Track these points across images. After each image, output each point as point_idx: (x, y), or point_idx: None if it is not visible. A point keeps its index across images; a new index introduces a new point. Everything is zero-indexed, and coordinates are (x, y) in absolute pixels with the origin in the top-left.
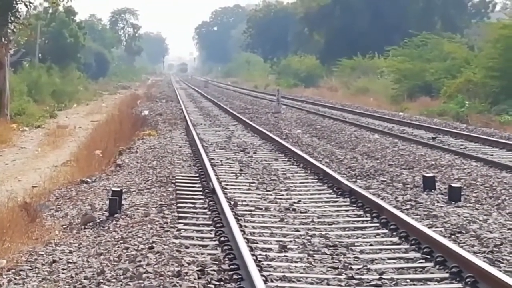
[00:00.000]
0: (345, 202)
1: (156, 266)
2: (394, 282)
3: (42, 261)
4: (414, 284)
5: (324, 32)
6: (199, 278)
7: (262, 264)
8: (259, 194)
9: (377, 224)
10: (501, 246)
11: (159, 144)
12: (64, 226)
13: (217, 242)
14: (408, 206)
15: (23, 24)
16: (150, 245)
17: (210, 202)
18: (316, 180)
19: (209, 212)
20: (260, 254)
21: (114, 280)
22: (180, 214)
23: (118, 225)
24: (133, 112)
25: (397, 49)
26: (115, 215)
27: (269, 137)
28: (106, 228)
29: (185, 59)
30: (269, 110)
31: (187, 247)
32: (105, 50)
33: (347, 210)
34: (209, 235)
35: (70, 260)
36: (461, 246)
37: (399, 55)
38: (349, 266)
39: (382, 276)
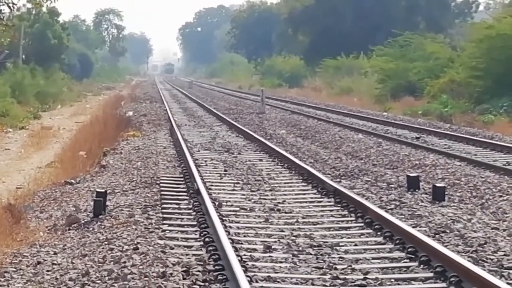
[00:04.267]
0: (329, 202)
1: (141, 267)
2: (378, 282)
3: (27, 263)
4: (398, 284)
5: (308, 33)
6: (184, 279)
7: (247, 264)
8: (243, 195)
9: (362, 224)
10: (485, 246)
11: (143, 145)
12: (48, 228)
13: (202, 243)
14: (392, 206)
15: (6, 25)
16: (135, 246)
17: (195, 203)
18: (301, 181)
19: (194, 213)
20: (245, 255)
21: (99, 281)
22: (165, 215)
23: (102, 226)
24: (117, 113)
25: (381, 49)
26: (100, 216)
27: (253, 137)
28: (91, 229)
29: (170, 59)
30: (254, 111)
31: (172, 248)
32: (89, 51)
33: (331, 210)
34: (194, 235)
35: (55, 262)
36: (445, 246)
37: (383, 55)
38: (334, 266)
39: (367, 276)
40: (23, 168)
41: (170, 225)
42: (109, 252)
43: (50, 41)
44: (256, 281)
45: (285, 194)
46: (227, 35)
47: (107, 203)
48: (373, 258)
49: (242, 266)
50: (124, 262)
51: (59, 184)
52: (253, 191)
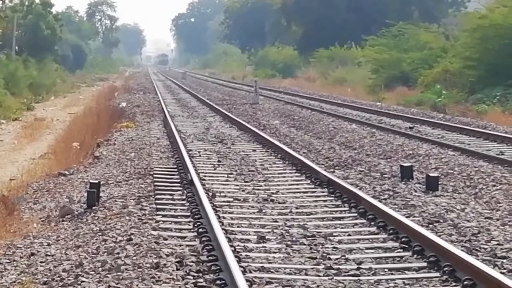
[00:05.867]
0: (323, 192)
1: (134, 258)
2: (372, 272)
3: (20, 254)
4: (392, 274)
5: (301, 23)
6: (177, 269)
7: (241, 255)
8: (237, 185)
9: (355, 214)
10: (479, 235)
11: (137, 136)
12: (42, 219)
13: (195, 234)
14: (386, 196)
15: None
16: (128, 237)
17: (188, 194)
18: (294, 171)
19: (187, 204)
20: (238, 245)
21: (92, 272)
22: (158, 206)
23: (96, 217)
24: (111, 104)
25: (374, 39)
26: (93, 208)
27: (247, 128)
28: (84, 220)
29: (163, 50)
30: (247, 101)
31: (165, 239)
32: (82, 42)
33: (325, 201)
34: (188, 226)
35: (49, 253)
36: (439, 236)
37: (376, 45)
38: (328, 256)
39: (360, 266)
40: (16, 159)
41: (163, 215)
42: (103, 243)
43: (43, 32)
44: (250, 272)
45: (278, 185)
46: (221, 26)
47: (101, 194)
48: (367, 248)
49: (236, 256)
50: (118, 253)
51: (52, 175)
52: (247, 182)
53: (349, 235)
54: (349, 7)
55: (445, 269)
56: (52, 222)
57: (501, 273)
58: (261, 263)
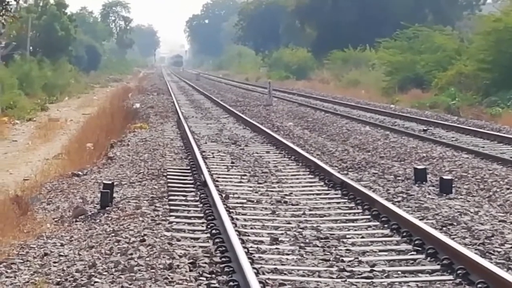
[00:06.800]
0: (336, 194)
1: (147, 259)
2: (385, 274)
3: (34, 254)
4: (405, 276)
5: (315, 25)
6: (190, 270)
7: (254, 256)
8: (250, 187)
9: (369, 216)
10: (492, 238)
11: (150, 137)
12: (55, 219)
13: (208, 235)
14: (399, 198)
15: (14, 17)
16: (141, 238)
17: (202, 195)
18: (308, 173)
19: (201, 205)
20: (251, 247)
21: (105, 273)
22: (172, 207)
23: (109, 218)
24: (125, 105)
25: (388, 41)
26: (107, 208)
27: (260, 129)
28: (98, 221)
29: (177, 51)
30: (261, 103)
31: (178, 240)
32: (96, 43)
33: (338, 203)
34: (201, 227)
35: (62, 253)
36: (453, 238)
37: (390, 47)
38: (341, 258)
39: (374, 268)
40: (30, 159)
41: (177, 217)
42: (116, 244)
43: (58, 33)
44: (263, 273)
45: (292, 186)
46: (235, 27)
47: (114, 195)
48: (380, 251)
49: (249, 258)
50: (131, 254)
51: (66, 175)
52: (260, 183)
53: (362, 237)
54: (363, 9)
55: (458, 272)
56: (65, 222)
57: None
58: (274, 264)
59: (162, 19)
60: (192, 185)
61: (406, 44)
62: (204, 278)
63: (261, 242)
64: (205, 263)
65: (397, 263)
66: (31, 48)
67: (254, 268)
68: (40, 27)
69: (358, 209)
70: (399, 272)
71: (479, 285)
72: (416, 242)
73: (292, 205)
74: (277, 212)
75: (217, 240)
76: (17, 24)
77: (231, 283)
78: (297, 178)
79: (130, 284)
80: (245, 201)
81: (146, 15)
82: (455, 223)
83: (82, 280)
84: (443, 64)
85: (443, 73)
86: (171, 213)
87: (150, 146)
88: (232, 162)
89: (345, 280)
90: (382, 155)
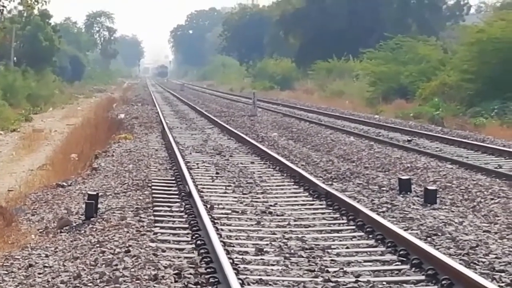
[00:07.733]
0: (321, 205)
1: (132, 269)
2: (370, 285)
3: (18, 265)
4: (390, 287)
5: (299, 35)
6: (175, 281)
7: (239, 267)
8: (235, 197)
9: (354, 227)
10: (477, 248)
11: (135, 148)
12: (40, 230)
13: (193, 246)
14: (384, 209)
15: None
16: (126, 249)
17: (187, 206)
18: (292, 183)
19: (186, 216)
20: (236, 257)
21: (90, 284)
22: (157, 218)
23: (94, 229)
24: (109, 115)
25: (372, 51)
26: (92, 219)
27: (245, 140)
28: (83, 232)
29: (161, 62)
30: (245, 113)
31: (163, 251)
32: (81, 54)
33: (323, 213)
34: (186, 238)
35: (47, 264)
36: (437, 249)
37: (374, 58)
38: (326, 269)
39: (359, 279)
40: (14, 170)
41: (161, 227)
42: (101, 254)
43: (42, 43)
44: (248, 284)
45: (276, 197)
46: (219, 38)
47: (99, 205)
48: (365, 261)
49: (234, 268)
50: (116, 265)
51: (50, 186)
52: (245, 194)
53: (347, 247)
54: (347, 19)
55: (443, 282)
56: (50, 233)
57: (499, 286)
58: (259, 275)
59: (146, 30)
60: (177, 196)
61: (389, 54)
62: None
63: (246, 252)
64: (190, 274)
65: (382, 273)
66: (15, 58)
67: (239, 278)
68: (24, 37)
69: (343, 219)
70: (384, 283)
71: None
72: (401, 252)
73: (277, 215)
74: (262, 223)
75: (202, 250)
76: (0, 35)
77: None
78: (282, 189)
79: None
80: (230, 211)
81: (130, 26)
82: (439, 234)
83: None
84: (427, 74)
85: (427, 84)
86: (156, 224)
87: (135, 156)
88: (217, 173)
89: None
90: (366, 165)
